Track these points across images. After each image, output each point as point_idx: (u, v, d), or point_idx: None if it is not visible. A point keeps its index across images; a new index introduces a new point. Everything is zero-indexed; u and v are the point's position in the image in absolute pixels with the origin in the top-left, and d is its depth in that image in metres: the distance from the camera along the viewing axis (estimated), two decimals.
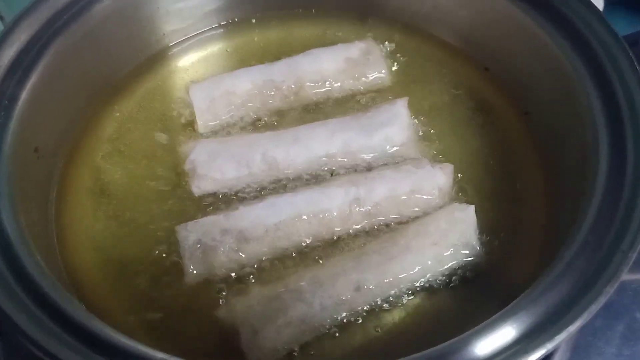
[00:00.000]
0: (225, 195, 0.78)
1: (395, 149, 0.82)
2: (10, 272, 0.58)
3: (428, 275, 0.71)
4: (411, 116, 0.84)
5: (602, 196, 0.62)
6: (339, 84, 0.88)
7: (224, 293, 0.71)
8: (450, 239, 0.72)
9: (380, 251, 0.71)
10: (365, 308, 0.69)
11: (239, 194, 0.78)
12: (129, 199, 0.79)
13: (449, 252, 0.72)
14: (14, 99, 0.71)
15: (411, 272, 0.70)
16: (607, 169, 0.64)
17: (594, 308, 0.53)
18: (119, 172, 0.81)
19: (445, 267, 0.71)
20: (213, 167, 0.78)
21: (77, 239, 0.76)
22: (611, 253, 0.57)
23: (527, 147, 0.82)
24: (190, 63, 0.94)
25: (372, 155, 0.81)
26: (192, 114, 0.85)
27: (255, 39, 0.96)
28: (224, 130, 0.85)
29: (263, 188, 0.79)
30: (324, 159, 0.81)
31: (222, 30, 0.97)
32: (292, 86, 0.87)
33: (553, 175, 0.78)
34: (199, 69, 0.93)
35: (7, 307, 0.55)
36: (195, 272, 0.71)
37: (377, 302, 0.69)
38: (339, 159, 0.81)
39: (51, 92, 0.77)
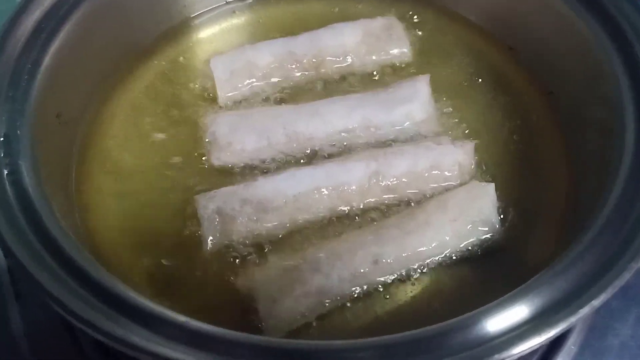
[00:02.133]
0: (245, 167, 0.78)
1: (415, 125, 0.81)
2: (34, 234, 0.58)
3: (447, 251, 0.71)
4: (432, 93, 0.83)
5: (625, 181, 0.61)
6: (360, 59, 0.88)
7: (242, 262, 0.70)
8: (469, 216, 0.71)
9: (399, 225, 0.71)
10: (383, 281, 0.69)
11: (259, 166, 0.78)
12: (150, 169, 0.79)
13: (468, 229, 0.71)
14: (37, 63, 0.71)
15: (430, 247, 0.70)
16: (633, 152, 0.63)
17: (617, 284, 0.52)
18: (141, 142, 0.81)
19: (464, 243, 0.71)
20: (233, 139, 0.79)
21: (98, 206, 0.76)
22: (635, 230, 0.56)
23: (550, 127, 0.82)
24: (211, 35, 0.94)
25: (392, 131, 0.81)
26: (214, 86, 0.85)
27: (278, 12, 0.96)
28: (244, 102, 0.85)
29: (283, 161, 0.79)
30: (343, 134, 0.80)
31: (244, 2, 0.97)
32: (314, 60, 0.87)
33: (575, 156, 0.78)
34: (220, 42, 0.93)
35: (31, 267, 0.55)
36: (214, 241, 0.71)
37: (395, 276, 0.69)
38: (359, 134, 0.81)
39: (74, 59, 0.77)
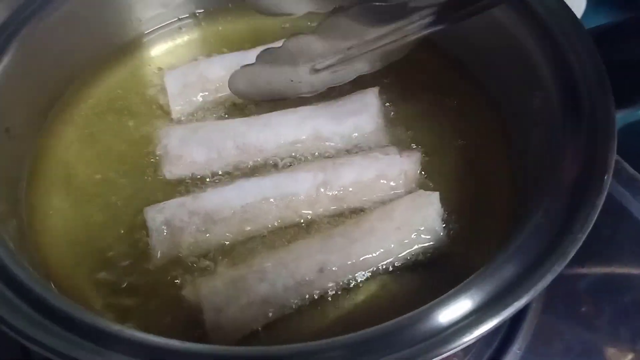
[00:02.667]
0: (196, 179, 0.80)
1: (364, 136, 0.83)
2: None
3: (391, 259, 0.72)
4: (383, 104, 0.85)
5: (560, 188, 0.63)
6: None
7: (191, 273, 0.72)
8: (413, 224, 0.73)
9: (345, 234, 0.73)
10: (329, 289, 0.70)
11: (210, 179, 0.80)
12: (100, 184, 0.80)
13: (412, 237, 0.73)
14: None
15: (374, 255, 0.71)
16: (566, 163, 0.65)
17: (542, 285, 0.54)
18: (91, 156, 0.82)
19: (408, 251, 0.72)
20: (184, 152, 0.80)
21: (48, 222, 0.76)
22: (562, 235, 0.58)
23: (494, 136, 0.84)
24: (165, 50, 0.95)
25: (341, 142, 0.83)
26: (166, 100, 0.86)
27: (232, 27, 0.97)
28: (197, 115, 0.86)
29: (233, 173, 0.80)
30: (294, 145, 0.82)
31: (198, 18, 0.98)
32: None
33: (517, 164, 0.80)
34: (175, 56, 0.94)
35: None
36: (162, 252, 0.72)
37: (340, 283, 0.71)
38: (309, 145, 0.82)
39: (23, 75, 0.77)
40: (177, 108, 0.85)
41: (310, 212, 0.76)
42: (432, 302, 0.55)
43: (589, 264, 0.86)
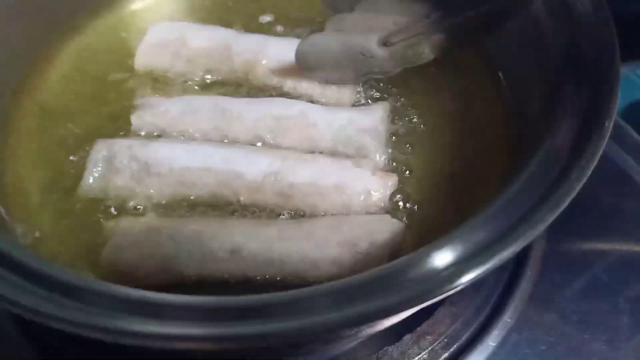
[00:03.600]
0: (161, 132, 0.77)
1: (356, 135, 0.75)
2: None
3: (316, 275, 0.64)
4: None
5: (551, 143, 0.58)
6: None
7: (117, 212, 0.70)
8: (360, 247, 0.65)
9: (279, 228, 0.67)
10: (234, 276, 0.64)
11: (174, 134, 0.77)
12: (74, 121, 0.79)
13: (350, 259, 0.65)
14: None
15: (299, 262, 0.64)
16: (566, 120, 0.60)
17: (534, 233, 0.50)
18: (68, 101, 0.81)
19: (340, 270, 0.64)
20: (161, 104, 0.77)
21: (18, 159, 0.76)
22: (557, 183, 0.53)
23: (492, 97, 0.79)
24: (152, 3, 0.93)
25: (328, 131, 0.75)
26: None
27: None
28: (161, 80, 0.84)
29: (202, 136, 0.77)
30: (278, 120, 0.76)
31: None
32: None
33: (515, 128, 0.74)
34: (162, 12, 0.92)
35: None
36: (88, 186, 0.71)
37: (248, 275, 0.64)
38: (293, 124, 0.76)
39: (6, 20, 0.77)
40: (141, 58, 0.83)
41: (249, 198, 0.70)
42: (427, 246, 0.50)
43: (590, 233, 0.83)
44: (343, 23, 0.72)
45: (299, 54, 0.77)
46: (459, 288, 0.48)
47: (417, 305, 0.49)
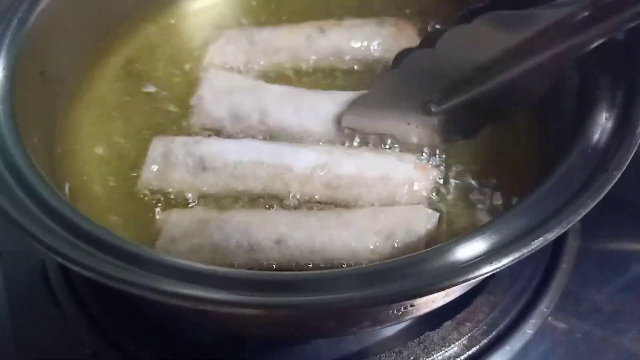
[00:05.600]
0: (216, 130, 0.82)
1: None
2: (13, 179, 0.61)
3: (357, 263, 0.68)
4: None
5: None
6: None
7: (168, 205, 0.74)
8: (396, 237, 0.69)
9: (321, 218, 0.71)
10: (280, 264, 0.69)
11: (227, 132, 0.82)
12: (132, 120, 0.84)
13: (388, 247, 0.68)
14: (23, 20, 0.74)
15: (340, 250, 0.68)
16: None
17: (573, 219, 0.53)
18: (127, 98, 0.86)
19: (379, 258, 0.68)
20: (216, 105, 0.82)
21: (78, 155, 0.80)
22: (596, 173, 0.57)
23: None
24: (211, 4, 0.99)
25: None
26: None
27: None
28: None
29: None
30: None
31: None
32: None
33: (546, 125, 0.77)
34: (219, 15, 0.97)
35: (13, 212, 0.57)
36: (147, 179, 0.76)
37: (293, 263, 0.69)
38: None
39: (61, 20, 0.81)
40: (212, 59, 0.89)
41: (300, 190, 0.75)
42: (456, 237, 0.55)
43: (624, 232, 0.86)
44: (386, 81, 0.74)
45: (345, 122, 0.78)
46: (480, 277, 0.51)
47: (428, 293, 0.54)
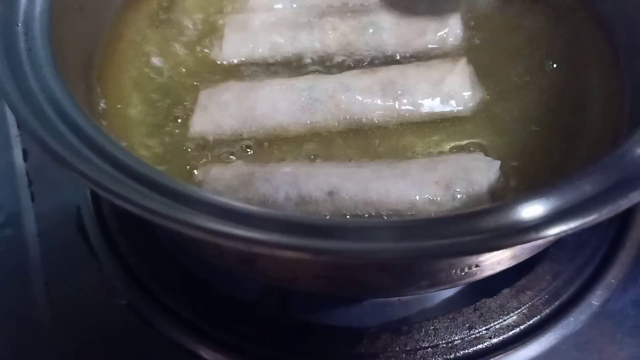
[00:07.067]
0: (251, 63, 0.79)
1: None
2: (53, 111, 0.57)
3: (413, 212, 0.63)
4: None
5: None
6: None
7: (210, 160, 0.70)
8: (457, 186, 0.64)
9: (374, 168, 0.67)
10: (336, 216, 0.64)
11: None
12: (170, 61, 0.80)
13: (449, 199, 0.64)
14: None
15: (397, 201, 0.63)
16: None
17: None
18: (164, 37, 0.83)
19: (439, 210, 0.63)
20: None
21: (117, 89, 0.77)
22: None
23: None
24: None
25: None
26: None
27: None
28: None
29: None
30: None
31: None
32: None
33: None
34: None
35: (53, 144, 0.54)
36: (200, 126, 0.72)
37: (347, 215, 0.64)
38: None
39: None
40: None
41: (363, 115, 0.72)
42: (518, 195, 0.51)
43: None
44: None
45: None
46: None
47: (496, 249, 0.50)
